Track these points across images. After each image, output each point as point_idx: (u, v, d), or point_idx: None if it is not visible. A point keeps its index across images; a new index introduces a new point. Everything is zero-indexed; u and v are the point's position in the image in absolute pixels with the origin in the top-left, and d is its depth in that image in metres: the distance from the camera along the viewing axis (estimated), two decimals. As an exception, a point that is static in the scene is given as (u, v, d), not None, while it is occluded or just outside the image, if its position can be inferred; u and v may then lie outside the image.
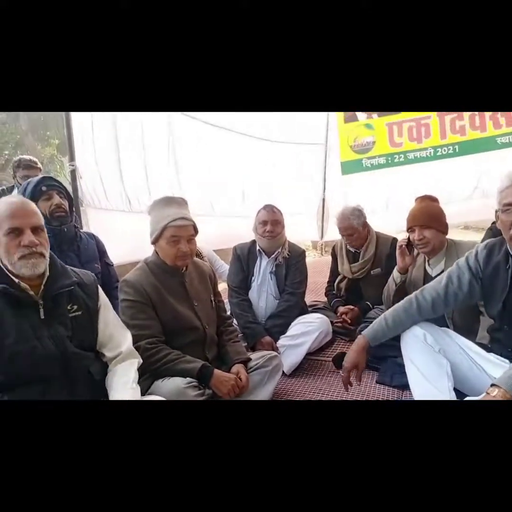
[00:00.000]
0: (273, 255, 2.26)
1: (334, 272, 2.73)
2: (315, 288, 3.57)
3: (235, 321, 2.10)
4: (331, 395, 1.78)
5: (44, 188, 1.60)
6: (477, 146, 4.35)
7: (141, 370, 1.35)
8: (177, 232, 1.56)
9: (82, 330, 1.22)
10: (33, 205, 1.19)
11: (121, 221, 3.16)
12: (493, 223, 2.40)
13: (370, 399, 1.73)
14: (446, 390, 1.32)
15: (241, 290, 2.25)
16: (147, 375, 1.47)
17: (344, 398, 1.74)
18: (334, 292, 2.69)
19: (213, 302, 1.75)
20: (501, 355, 1.41)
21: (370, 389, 1.81)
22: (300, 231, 5.07)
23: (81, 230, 1.79)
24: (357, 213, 2.46)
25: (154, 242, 1.63)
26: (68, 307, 1.20)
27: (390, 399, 1.69)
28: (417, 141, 4.51)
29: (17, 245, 1.10)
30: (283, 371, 1.87)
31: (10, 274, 1.12)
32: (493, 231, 2.67)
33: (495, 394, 1.04)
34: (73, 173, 2.75)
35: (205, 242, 2.93)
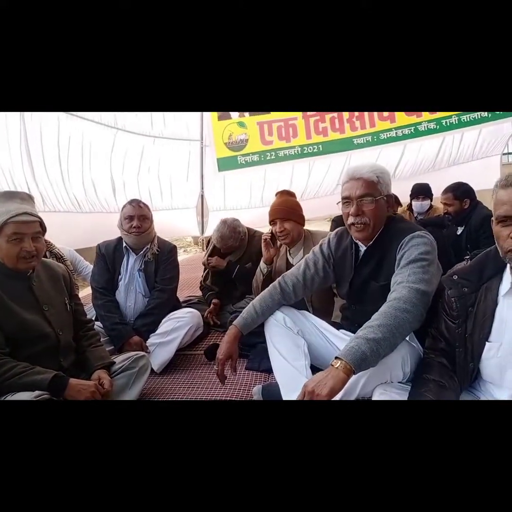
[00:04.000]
0: (141, 252, 2.17)
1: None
2: (195, 284, 3.56)
3: (99, 324, 1.98)
4: (203, 388, 1.79)
5: None
6: (337, 146, 4.81)
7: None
8: (19, 229, 1.40)
9: None
10: None
11: None
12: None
13: (240, 386, 1.78)
14: (303, 369, 1.42)
15: (107, 290, 2.12)
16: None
17: (216, 389, 1.76)
18: (208, 285, 2.71)
19: (68, 305, 1.61)
20: (350, 331, 1.57)
21: (240, 377, 1.86)
22: (181, 226, 5.02)
23: None
24: (235, 235, 2.50)
25: None
26: None
27: (257, 383, 1.76)
28: (286, 140, 4.80)
29: None
30: (153, 370, 1.81)
31: None
32: (336, 222, 3.07)
33: (338, 365, 1.15)
34: None
35: (67, 243, 2.71)
